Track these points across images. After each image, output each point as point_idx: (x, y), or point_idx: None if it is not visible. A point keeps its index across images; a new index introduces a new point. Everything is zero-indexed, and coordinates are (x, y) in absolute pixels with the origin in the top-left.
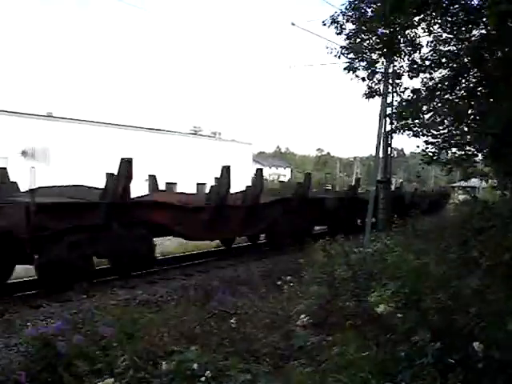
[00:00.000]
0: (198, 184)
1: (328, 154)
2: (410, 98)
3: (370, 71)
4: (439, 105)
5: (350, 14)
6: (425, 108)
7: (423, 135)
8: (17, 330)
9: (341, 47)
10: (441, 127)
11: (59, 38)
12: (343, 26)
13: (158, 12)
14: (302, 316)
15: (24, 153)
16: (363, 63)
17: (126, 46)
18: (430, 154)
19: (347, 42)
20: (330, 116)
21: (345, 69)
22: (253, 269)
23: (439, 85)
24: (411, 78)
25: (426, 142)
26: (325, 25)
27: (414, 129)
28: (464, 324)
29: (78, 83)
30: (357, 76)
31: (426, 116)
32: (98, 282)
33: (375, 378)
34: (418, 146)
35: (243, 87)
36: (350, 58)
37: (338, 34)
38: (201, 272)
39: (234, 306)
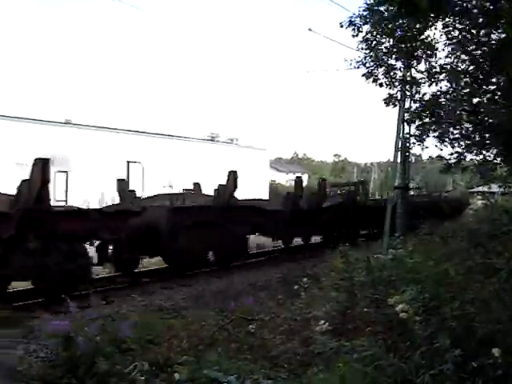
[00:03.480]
0: (215, 190)
1: (345, 159)
2: (429, 99)
3: (389, 77)
4: (458, 111)
5: (366, 14)
6: (443, 113)
7: (442, 142)
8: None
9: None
10: (459, 132)
11: (77, 45)
12: (360, 29)
13: (177, 19)
14: (321, 322)
15: None
16: (381, 69)
17: (144, 53)
18: (449, 160)
19: (364, 44)
20: (347, 121)
21: (363, 75)
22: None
23: (459, 93)
24: (430, 85)
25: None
26: (342, 27)
27: (432, 133)
28: (484, 330)
29: (96, 90)
30: (375, 81)
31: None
32: (116, 289)
33: None
34: (439, 157)
35: (260, 93)
36: (368, 67)
37: (354, 36)
38: (218, 277)
39: (252, 312)
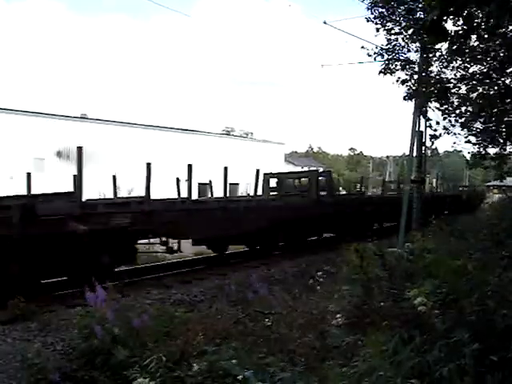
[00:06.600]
0: (230, 184)
1: (361, 153)
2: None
3: (407, 70)
4: (475, 102)
5: None
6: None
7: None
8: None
9: (375, 53)
10: (478, 124)
11: (95, 40)
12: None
13: (200, 17)
14: (338, 316)
15: (59, 153)
16: (398, 63)
17: (157, 48)
18: (475, 153)
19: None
20: (362, 115)
21: (380, 72)
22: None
23: (473, 81)
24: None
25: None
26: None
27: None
28: (503, 324)
29: (112, 84)
30: (397, 80)
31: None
32: (132, 282)
33: (412, 378)
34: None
35: (275, 86)
36: (385, 60)
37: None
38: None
39: (268, 306)
